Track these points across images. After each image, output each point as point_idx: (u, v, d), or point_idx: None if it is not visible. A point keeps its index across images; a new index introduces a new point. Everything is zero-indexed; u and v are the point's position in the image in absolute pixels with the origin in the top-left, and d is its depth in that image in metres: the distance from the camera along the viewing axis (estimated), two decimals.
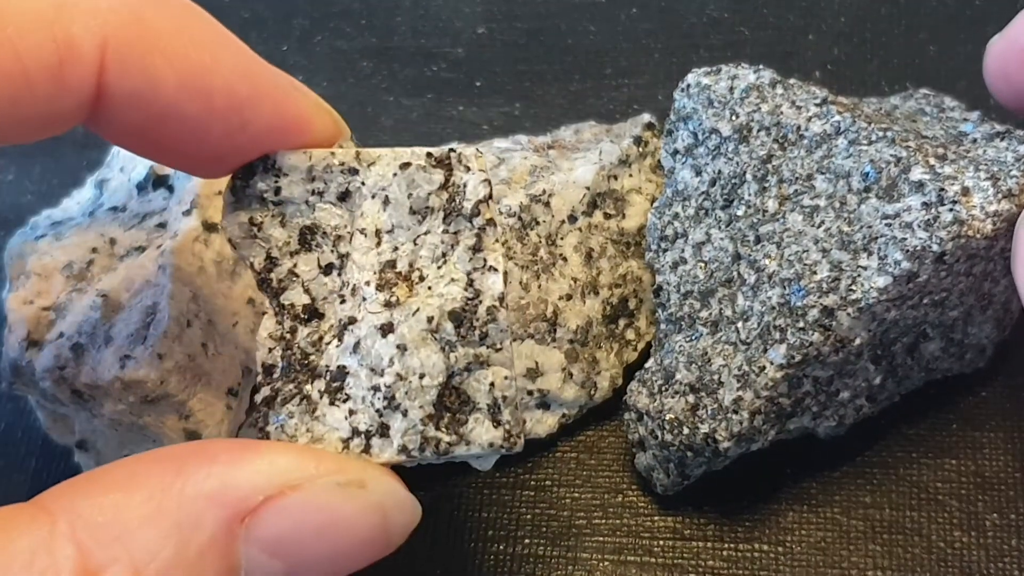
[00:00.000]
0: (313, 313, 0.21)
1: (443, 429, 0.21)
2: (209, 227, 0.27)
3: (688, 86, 0.30)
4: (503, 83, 0.39)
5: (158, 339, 0.25)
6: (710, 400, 0.27)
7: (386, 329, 0.21)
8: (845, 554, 0.28)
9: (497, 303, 0.21)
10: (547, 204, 0.30)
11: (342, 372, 0.21)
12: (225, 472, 0.19)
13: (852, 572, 0.28)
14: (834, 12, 0.39)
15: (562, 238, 0.30)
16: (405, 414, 0.21)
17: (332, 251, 0.21)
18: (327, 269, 0.22)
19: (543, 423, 0.30)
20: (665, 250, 0.30)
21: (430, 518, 0.30)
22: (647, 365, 0.30)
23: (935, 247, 0.25)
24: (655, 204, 0.31)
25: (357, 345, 0.21)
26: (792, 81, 0.29)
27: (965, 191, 0.25)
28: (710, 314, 0.29)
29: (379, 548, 0.20)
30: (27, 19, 0.18)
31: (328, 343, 0.21)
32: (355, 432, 0.21)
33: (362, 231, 0.21)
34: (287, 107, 0.21)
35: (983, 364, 0.30)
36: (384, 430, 0.21)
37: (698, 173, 0.30)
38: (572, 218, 0.31)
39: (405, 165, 0.21)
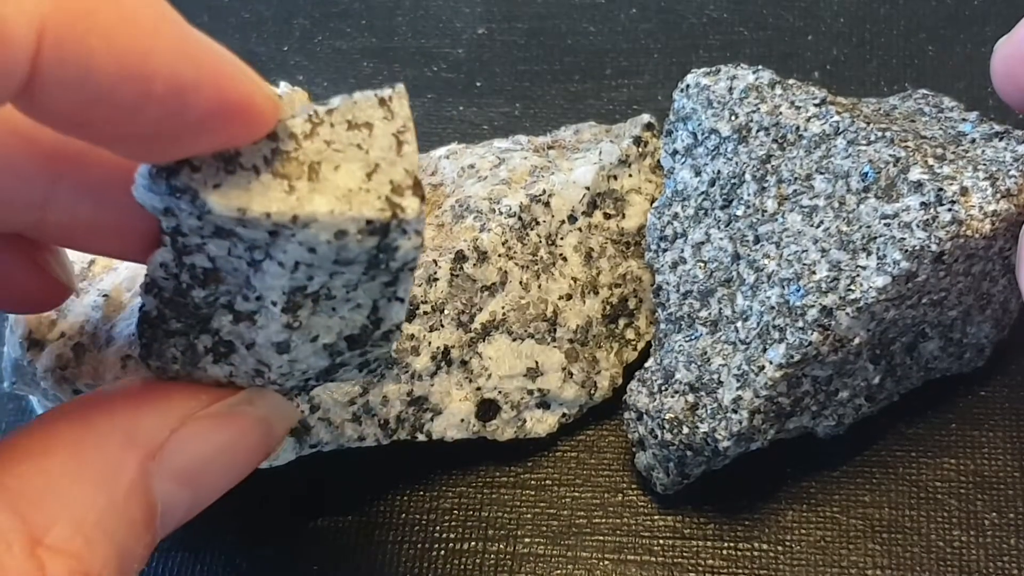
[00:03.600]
0: (213, 278, 0.20)
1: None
2: None
3: (687, 86, 0.30)
4: (503, 83, 0.39)
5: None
6: (709, 399, 0.28)
7: (282, 348, 0.21)
8: (844, 553, 0.29)
9: (394, 328, 0.22)
10: (547, 204, 0.30)
11: (230, 346, 0.21)
12: (132, 416, 0.20)
13: (851, 571, 0.28)
14: (833, 13, 0.39)
15: (562, 238, 0.31)
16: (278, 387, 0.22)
17: (247, 252, 0.20)
18: (234, 254, 0.20)
19: (543, 422, 0.30)
20: (665, 250, 0.30)
21: (430, 518, 0.30)
22: (647, 365, 0.30)
23: (934, 247, 0.25)
24: (655, 204, 0.31)
25: (252, 345, 0.21)
26: (791, 81, 0.29)
27: (964, 191, 0.25)
28: (709, 314, 0.29)
29: (265, 453, 0.22)
30: None
31: (222, 309, 0.21)
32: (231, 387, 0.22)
33: (281, 264, 0.20)
34: (229, 91, 0.20)
35: (982, 364, 0.30)
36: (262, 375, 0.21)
37: (697, 173, 0.30)
38: (572, 218, 0.31)
39: (341, 233, 0.19)
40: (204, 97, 0.19)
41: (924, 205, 0.25)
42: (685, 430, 0.28)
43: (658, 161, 0.32)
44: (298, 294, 0.20)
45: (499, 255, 0.29)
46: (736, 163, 0.29)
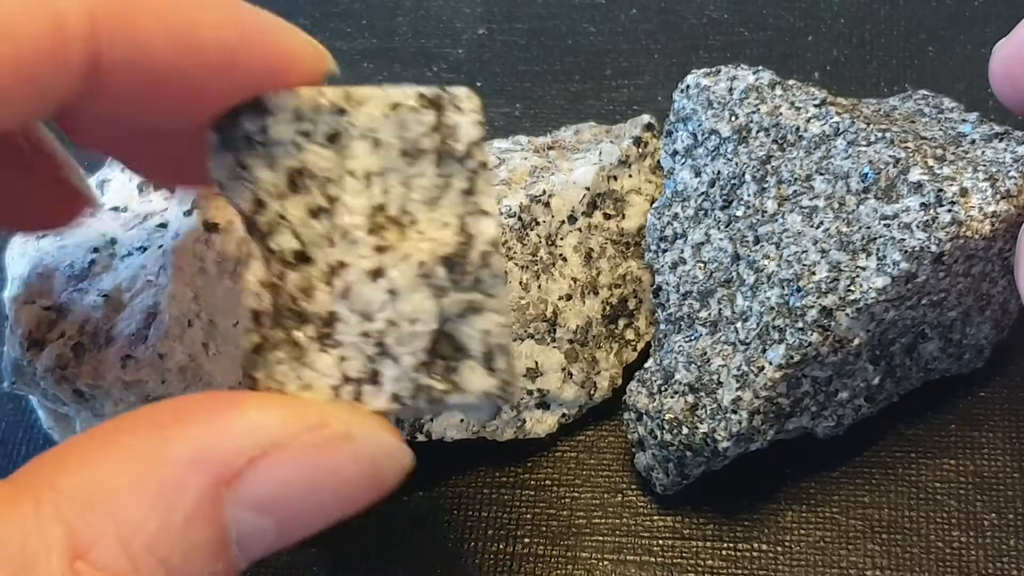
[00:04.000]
0: (302, 258, 0.21)
1: (435, 377, 0.20)
2: (210, 227, 0.27)
3: (687, 87, 0.30)
4: (503, 84, 0.39)
5: (159, 339, 0.25)
6: (709, 400, 0.28)
7: (376, 274, 0.20)
8: (844, 553, 0.29)
9: (491, 248, 0.20)
10: (547, 204, 0.30)
11: (332, 318, 0.20)
12: (205, 433, 0.18)
13: (851, 571, 0.28)
14: (833, 13, 0.39)
15: (562, 238, 0.31)
16: (396, 361, 0.20)
17: (321, 194, 0.21)
18: (316, 213, 0.21)
19: (543, 423, 0.30)
20: (664, 250, 0.30)
21: (430, 518, 0.30)
22: (646, 365, 0.30)
23: (933, 248, 0.25)
24: (654, 205, 0.31)
25: (347, 291, 0.20)
26: (791, 82, 0.29)
27: (963, 192, 0.25)
28: (709, 314, 0.29)
29: (370, 495, 0.20)
30: (15, 8, 0.18)
31: (317, 289, 0.20)
32: (346, 379, 0.20)
33: (351, 173, 0.21)
34: (276, 47, 0.21)
35: (981, 364, 0.30)
36: (375, 377, 0.20)
37: (697, 174, 0.30)
38: (572, 218, 0.31)
39: (395, 106, 0.21)
40: (254, 57, 0.20)
41: (924, 206, 0.25)
42: (685, 431, 0.28)
43: (658, 162, 0.32)
44: (378, 214, 0.20)
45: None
46: (736, 164, 0.29)
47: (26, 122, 0.21)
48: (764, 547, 0.29)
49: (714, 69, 0.30)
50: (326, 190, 0.21)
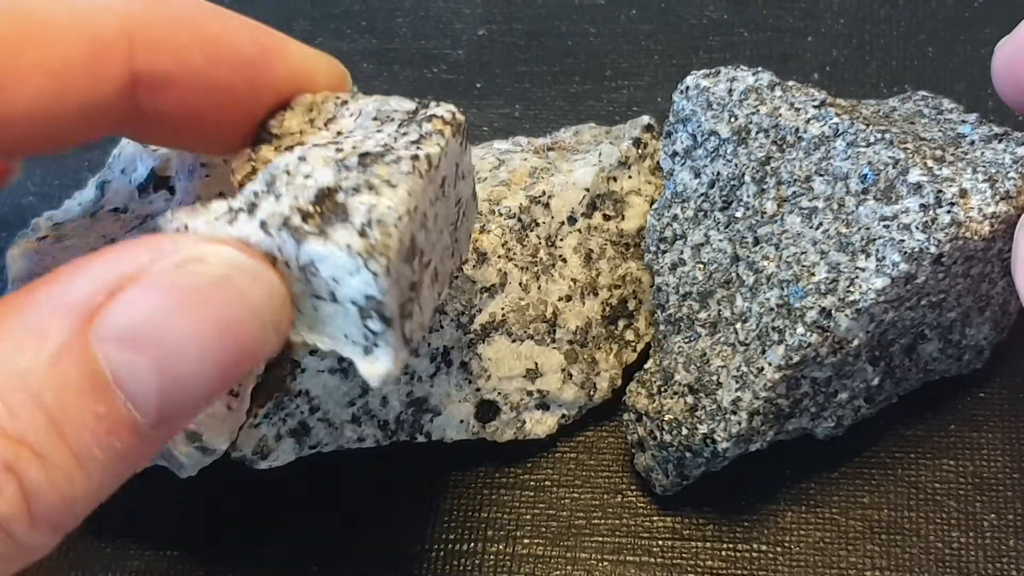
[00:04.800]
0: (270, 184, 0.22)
1: (308, 223, 0.20)
2: None
3: (687, 88, 0.30)
4: (503, 85, 0.40)
5: None
6: (709, 401, 0.28)
7: (300, 154, 0.21)
8: (843, 554, 0.29)
9: (407, 157, 0.21)
10: (547, 205, 0.30)
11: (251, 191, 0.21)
12: (67, 280, 0.19)
13: (850, 572, 0.28)
14: (833, 14, 0.39)
15: (562, 239, 0.31)
16: (278, 199, 0.20)
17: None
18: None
19: (543, 423, 0.30)
20: (664, 251, 0.30)
21: (430, 518, 0.30)
22: (646, 366, 0.30)
23: (933, 249, 0.25)
24: (654, 206, 0.31)
25: (271, 164, 0.21)
26: (791, 83, 0.29)
27: (963, 193, 0.25)
28: (709, 315, 0.29)
29: (248, 327, 0.20)
30: (58, 21, 0.21)
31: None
32: (229, 210, 0.21)
33: (327, 130, 0.23)
34: (295, 59, 0.24)
35: (981, 365, 0.30)
36: (252, 208, 0.20)
37: (697, 175, 0.30)
38: (571, 219, 0.31)
39: (386, 99, 0.24)
40: (277, 68, 0.24)
41: (923, 207, 0.25)
42: (684, 431, 0.28)
43: (658, 163, 0.32)
44: (332, 144, 0.22)
45: (499, 256, 0.30)
46: (735, 165, 0.29)
47: (72, 140, 0.22)
48: (764, 548, 0.29)
49: (713, 70, 0.30)
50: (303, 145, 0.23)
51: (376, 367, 0.21)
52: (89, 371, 0.18)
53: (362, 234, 0.20)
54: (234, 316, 0.19)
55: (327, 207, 0.20)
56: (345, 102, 0.24)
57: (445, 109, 0.23)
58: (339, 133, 0.23)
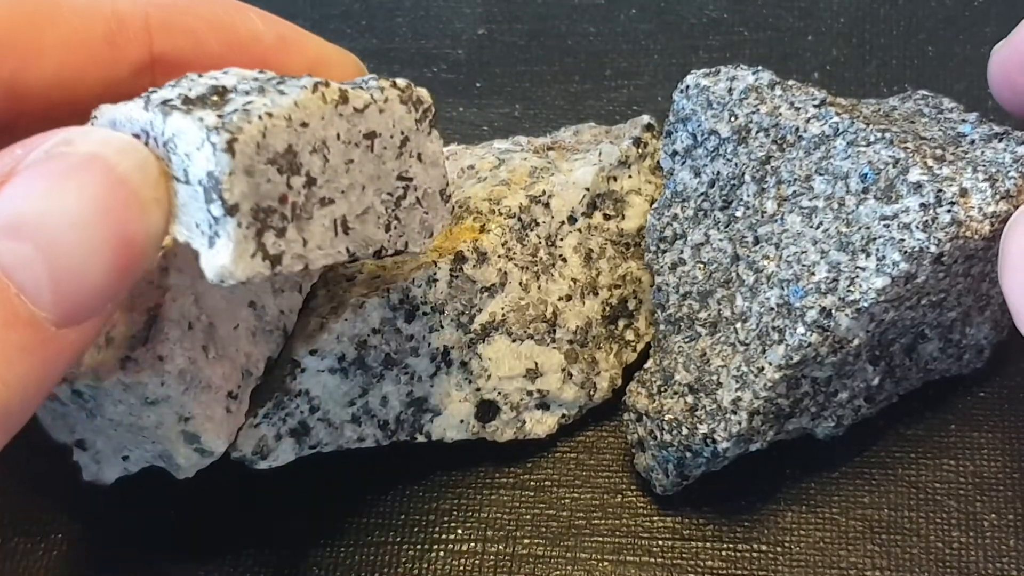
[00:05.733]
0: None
1: (185, 105, 0.20)
2: None
3: (687, 87, 0.30)
4: (503, 84, 0.39)
5: (159, 341, 0.25)
6: (709, 401, 0.28)
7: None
8: (843, 554, 0.29)
9: (320, 83, 0.22)
10: (547, 205, 0.30)
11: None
12: None
13: (850, 572, 0.28)
14: (833, 13, 0.39)
15: (562, 239, 0.31)
16: (174, 87, 0.21)
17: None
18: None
19: (543, 423, 0.30)
20: (664, 251, 0.30)
21: (430, 518, 0.30)
22: (646, 366, 0.30)
23: (933, 248, 0.25)
24: (654, 205, 0.31)
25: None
26: (791, 82, 0.29)
27: (963, 192, 0.25)
28: (709, 315, 0.29)
29: (127, 203, 0.20)
30: (81, 3, 0.22)
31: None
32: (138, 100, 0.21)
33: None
34: (311, 51, 0.25)
35: (981, 365, 0.30)
36: (150, 96, 0.21)
37: (697, 174, 0.30)
38: (572, 219, 0.31)
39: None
40: (291, 56, 0.25)
41: (923, 206, 0.25)
42: (684, 431, 0.28)
43: (658, 162, 0.32)
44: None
45: (499, 256, 0.30)
46: (735, 164, 0.29)
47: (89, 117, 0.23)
48: (764, 547, 0.29)
49: (713, 69, 0.30)
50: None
51: (215, 258, 0.20)
52: None
53: (220, 116, 0.20)
54: (108, 190, 0.19)
55: (212, 100, 0.21)
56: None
57: (407, 83, 0.24)
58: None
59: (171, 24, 0.23)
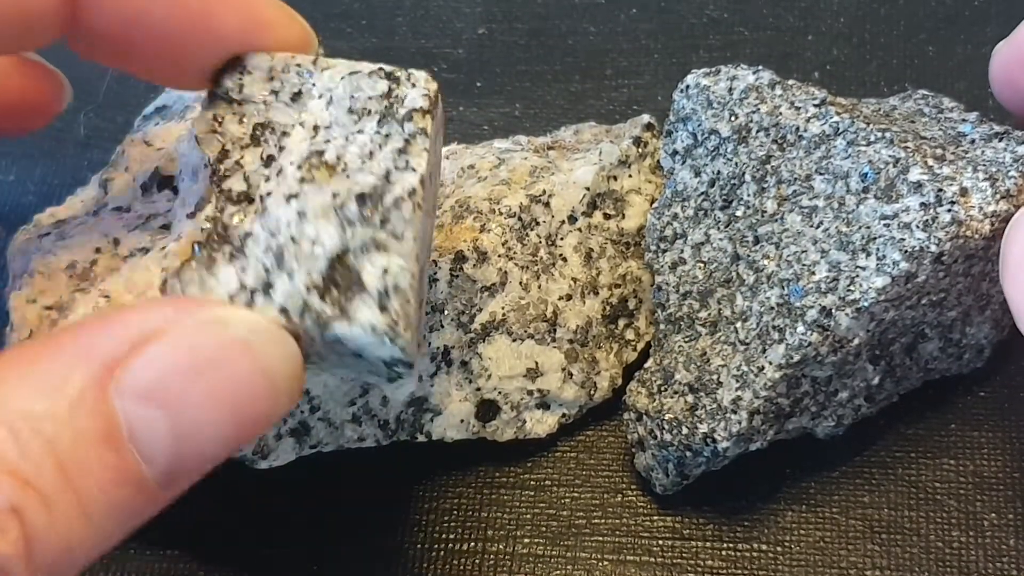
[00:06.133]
0: (245, 197, 0.22)
1: (327, 301, 0.21)
2: None
3: (687, 87, 0.30)
4: (503, 84, 0.39)
5: None
6: (709, 400, 0.28)
7: (292, 197, 0.21)
8: (844, 554, 0.29)
9: (406, 196, 0.22)
10: (547, 204, 0.30)
11: (247, 236, 0.21)
12: (92, 332, 0.19)
13: (851, 571, 0.28)
14: (833, 13, 0.39)
15: (562, 238, 0.31)
16: (291, 276, 0.21)
17: (275, 144, 0.23)
18: (267, 161, 0.23)
19: (543, 423, 0.30)
20: (664, 250, 0.30)
21: (430, 518, 0.30)
22: (646, 365, 0.30)
23: (933, 247, 0.25)
24: (654, 205, 0.31)
25: (265, 211, 0.21)
26: (791, 82, 0.29)
27: (963, 192, 0.25)
28: (709, 314, 0.29)
29: (262, 392, 0.20)
30: None
31: (247, 217, 0.22)
32: (241, 287, 0.21)
33: (302, 124, 0.23)
34: (252, 10, 0.23)
35: (981, 364, 0.30)
36: (268, 289, 0.21)
37: (697, 174, 0.30)
38: (572, 218, 0.31)
39: (354, 72, 0.23)
40: (230, 14, 0.23)
41: (924, 206, 0.25)
42: (684, 431, 0.28)
43: (658, 162, 0.32)
44: (315, 157, 0.22)
45: (499, 255, 0.30)
46: (736, 164, 0.29)
47: (15, 44, 0.24)
48: (764, 547, 0.29)
49: (714, 69, 0.30)
50: (280, 142, 0.23)
51: (401, 391, 0.23)
52: (105, 423, 0.19)
53: (382, 308, 0.21)
54: (248, 378, 0.20)
55: (340, 275, 0.21)
56: (309, 72, 0.23)
57: (420, 93, 0.23)
58: (315, 128, 0.23)
59: None
